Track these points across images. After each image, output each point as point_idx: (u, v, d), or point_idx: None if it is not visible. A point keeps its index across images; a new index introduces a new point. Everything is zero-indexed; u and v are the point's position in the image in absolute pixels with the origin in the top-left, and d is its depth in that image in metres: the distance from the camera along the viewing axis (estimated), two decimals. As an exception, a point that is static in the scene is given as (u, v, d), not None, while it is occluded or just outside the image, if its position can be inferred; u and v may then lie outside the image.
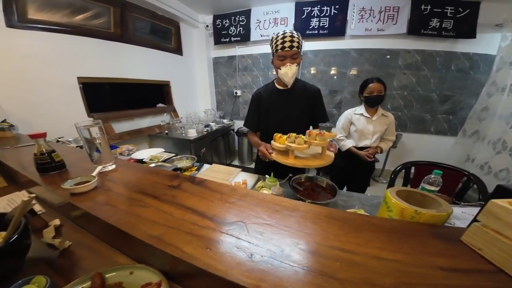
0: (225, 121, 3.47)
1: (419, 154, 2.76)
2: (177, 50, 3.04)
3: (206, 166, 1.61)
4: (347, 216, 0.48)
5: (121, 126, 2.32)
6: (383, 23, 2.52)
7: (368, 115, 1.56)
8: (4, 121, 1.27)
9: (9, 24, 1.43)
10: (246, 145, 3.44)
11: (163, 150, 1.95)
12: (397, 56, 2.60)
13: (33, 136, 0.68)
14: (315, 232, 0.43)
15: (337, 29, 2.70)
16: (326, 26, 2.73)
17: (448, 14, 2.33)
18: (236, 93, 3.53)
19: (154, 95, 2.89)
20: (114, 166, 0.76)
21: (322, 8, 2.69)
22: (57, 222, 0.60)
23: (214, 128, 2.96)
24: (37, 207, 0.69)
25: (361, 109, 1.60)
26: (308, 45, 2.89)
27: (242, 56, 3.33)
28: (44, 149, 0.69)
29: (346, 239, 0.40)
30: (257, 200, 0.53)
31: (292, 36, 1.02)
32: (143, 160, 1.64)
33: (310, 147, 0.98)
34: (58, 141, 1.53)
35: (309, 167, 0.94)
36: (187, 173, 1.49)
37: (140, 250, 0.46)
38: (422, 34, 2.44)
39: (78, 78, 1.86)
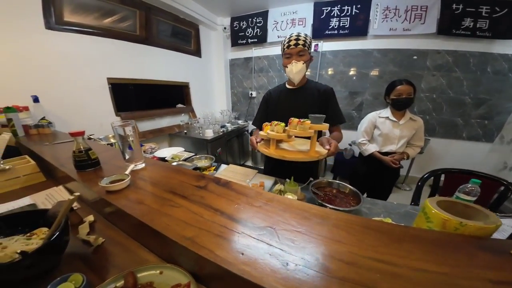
0: (240, 122, 3.50)
1: (449, 161, 2.57)
2: (196, 52, 3.12)
3: (223, 166, 1.63)
4: (384, 226, 0.46)
5: (144, 125, 2.43)
6: (409, 23, 2.39)
7: (394, 119, 1.48)
8: (43, 118, 1.38)
9: (48, 26, 1.55)
10: (260, 146, 3.44)
11: (183, 149, 2.02)
12: (426, 57, 2.45)
13: (73, 134, 0.73)
14: (350, 241, 0.41)
15: (358, 29, 2.61)
16: (347, 26, 2.65)
17: (483, 14, 2.16)
18: (251, 94, 3.55)
19: (174, 96, 2.99)
20: (143, 164, 0.79)
21: (343, 8, 2.62)
22: (91, 218, 0.64)
23: (229, 128, 3.01)
24: (74, 203, 0.74)
25: (386, 112, 1.52)
26: (327, 46, 2.82)
27: (258, 57, 3.34)
28: (82, 147, 0.74)
29: (385, 250, 0.38)
30: (284, 205, 0.52)
31: (298, 35, 1.06)
32: (165, 158, 1.70)
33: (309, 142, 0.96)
34: (90, 138, 1.63)
35: (287, 159, 0.86)
36: (206, 173, 1.53)
37: (171, 250, 0.47)
38: (453, 34, 2.28)
39: (108, 78, 1.98)
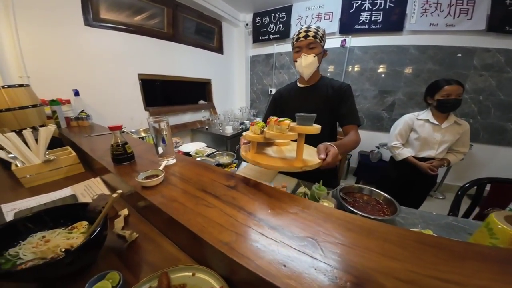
0: (258, 119, 3.48)
1: (492, 169, 2.30)
2: (219, 49, 3.14)
3: (244, 163, 1.63)
4: (442, 242, 0.40)
5: (169, 120, 2.53)
6: (453, 18, 2.15)
7: (436, 122, 1.34)
8: (82, 111, 1.49)
9: (87, 23, 1.66)
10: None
11: (205, 144, 2.06)
12: (472, 55, 2.19)
13: (112, 128, 0.76)
14: (405, 258, 0.37)
15: (393, 23, 2.41)
16: (380, 20, 2.46)
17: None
18: (271, 91, 3.49)
19: (197, 92, 3.06)
20: (174, 160, 0.80)
21: (375, 1, 2.43)
22: (125, 212, 0.66)
23: (248, 126, 3.00)
24: (110, 194, 0.78)
25: (426, 114, 1.38)
26: (356, 41, 2.65)
27: (280, 53, 3.27)
28: (119, 141, 0.78)
29: (447, 269, 0.34)
30: (323, 214, 0.48)
31: (308, 27, 0.99)
32: (190, 153, 1.75)
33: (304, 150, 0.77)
34: (122, 131, 1.74)
35: (261, 166, 0.70)
36: (227, 169, 1.54)
37: (204, 253, 0.46)
38: (506, 32, 2.02)
39: (139, 74, 2.08)
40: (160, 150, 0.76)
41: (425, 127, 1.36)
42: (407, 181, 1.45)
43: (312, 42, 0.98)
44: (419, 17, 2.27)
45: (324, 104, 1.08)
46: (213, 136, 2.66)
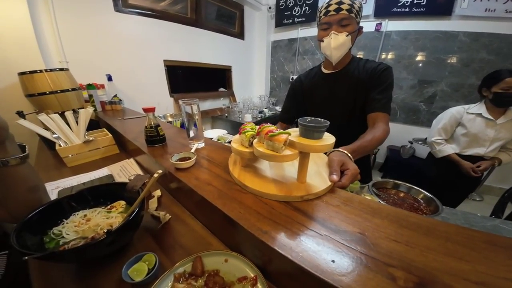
0: (277, 108, 3.39)
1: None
2: (240, 34, 3.05)
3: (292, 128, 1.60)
4: None
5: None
6: (516, 4, 1.80)
7: (490, 117, 1.17)
8: (115, 96, 1.57)
9: (116, 8, 1.69)
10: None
11: (226, 131, 2.08)
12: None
13: (146, 110, 0.78)
14: (473, 259, 0.32)
15: (439, 7, 2.11)
16: (423, 3, 2.16)
17: None
18: (292, 78, 3.35)
19: (217, 79, 3.05)
20: (203, 144, 0.80)
21: (420, -19, 2.12)
22: (158, 193, 0.68)
23: (267, 114, 2.96)
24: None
25: (479, 107, 1.20)
26: (393, 25, 2.38)
27: (304, 38, 3.08)
28: (152, 123, 0.79)
29: None
30: (369, 208, 0.44)
31: None
32: (212, 139, 1.77)
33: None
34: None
35: (248, 189, 0.50)
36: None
37: (239, 239, 0.46)
38: None
39: (164, 61, 2.12)
40: (192, 134, 0.75)
41: (475, 122, 1.20)
42: (446, 181, 1.31)
43: (345, 17, 0.78)
44: (473, 2, 1.95)
45: (356, 93, 0.89)
46: (233, 123, 2.67)
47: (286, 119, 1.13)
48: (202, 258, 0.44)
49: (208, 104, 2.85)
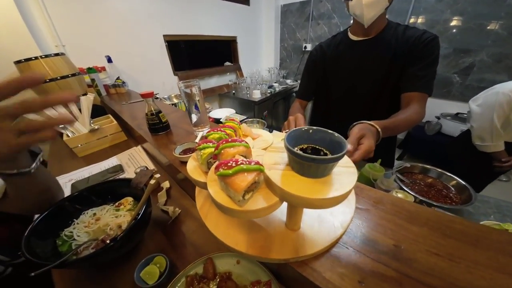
0: (288, 81, 3.16)
1: None
2: (245, -1, 2.69)
3: (275, 132, 1.53)
4: None
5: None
6: None
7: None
8: (118, 78, 1.50)
9: None
10: (308, 110, 3.05)
11: (234, 111, 1.99)
12: None
13: (144, 96, 0.71)
14: None
15: None
16: None
17: None
18: (305, 47, 3.02)
19: (222, 53, 2.83)
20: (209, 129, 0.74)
21: None
22: (167, 185, 0.65)
23: (277, 89, 2.77)
24: (150, 165, 0.78)
25: None
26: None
27: (319, 0, 2.65)
28: (152, 109, 0.73)
29: None
30: (404, 212, 0.37)
31: None
32: (220, 119, 1.71)
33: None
34: (156, 97, 1.75)
35: (219, 239, 0.31)
36: (258, 139, 1.47)
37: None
38: None
39: (164, 36, 1.96)
40: (194, 118, 0.69)
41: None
42: (478, 167, 1.16)
43: None
44: None
45: (391, 66, 0.74)
46: (240, 101, 2.55)
47: (304, 96, 0.99)
48: (213, 259, 0.43)
49: (214, 81, 2.70)
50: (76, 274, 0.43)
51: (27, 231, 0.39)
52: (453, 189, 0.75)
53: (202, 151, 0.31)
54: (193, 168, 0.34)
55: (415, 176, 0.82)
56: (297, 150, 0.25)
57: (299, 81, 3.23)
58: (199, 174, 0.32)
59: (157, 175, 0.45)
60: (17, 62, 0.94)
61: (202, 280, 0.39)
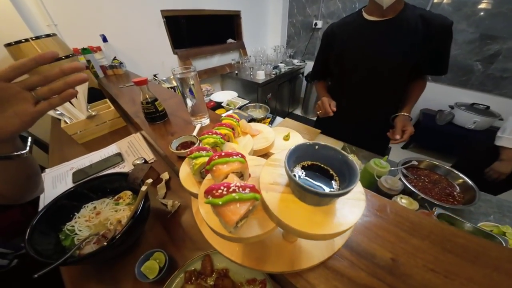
0: (295, 61, 2.98)
1: None
2: (250, -36, 2.40)
3: (279, 119, 1.48)
4: None
5: (198, 64, 2.35)
6: None
7: None
8: (115, 58, 1.42)
9: None
10: (315, 93, 3.00)
11: (236, 94, 1.92)
12: None
13: (137, 83, 0.67)
14: None
15: None
16: None
17: None
18: (315, 24, 2.77)
19: (224, 29, 2.63)
20: (208, 120, 0.71)
21: None
22: (166, 176, 0.65)
23: (282, 70, 2.62)
24: (149, 155, 0.77)
25: None
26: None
27: (333, -29, 2.36)
28: (148, 96, 0.70)
29: None
30: (407, 223, 0.36)
31: None
32: (222, 103, 1.66)
33: None
34: (155, 78, 1.68)
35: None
36: (260, 126, 1.43)
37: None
38: None
39: (162, 11, 1.81)
40: (190, 103, 0.65)
41: None
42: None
43: None
44: None
45: (411, 49, 0.73)
46: (243, 82, 2.44)
47: (318, 77, 1.08)
48: (211, 256, 0.44)
49: (216, 60, 2.56)
50: (81, 266, 0.45)
51: (29, 227, 0.39)
52: (458, 187, 0.73)
53: (194, 160, 0.28)
54: (186, 176, 0.32)
55: (420, 172, 0.80)
56: (299, 170, 0.22)
57: (307, 62, 3.06)
58: (192, 184, 0.31)
59: (149, 180, 0.44)
60: (7, 45, 0.89)
61: (200, 276, 0.41)
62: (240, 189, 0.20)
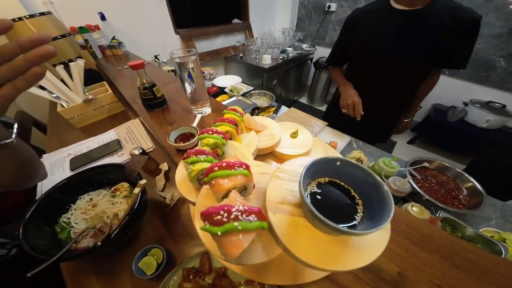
0: (304, 46, 2.81)
1: None
2: None
3: (284, 108, 1.43)
4: None
5: (201, 46, 2.23)
6: None
7: None
8: (114, 38, 1.34)
9: None
10: (323, 81, 2.87)
11: (240, 79, 1.84)
12: None
13: (133, 67, 0.63)
14: None
15: None
16: None
17: None
18: (328, 7, 2.57)
19: (230, 8, 2.45)
20: (209, 109, 0.67)
21: None
22: (165, 167, 0.63)
23: (290, 55, 2.48)
24: (148, 143, 0.75)
25: None
26: None
27: None
28: (145, 81, 0.66)
29: None
30: (418, 235, 0.33)
31: None
32: (225, 89, 1.59)
33: None
34: (156, 59, 1.60)
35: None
36: (264, 114, 1.38)
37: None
38: None
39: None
40: (188, 88, 0.60)
41: None
42: None
43: None
44: None
45: (437, 42, 0.70)
46: (248, 67, 2.33)
47: (334, 63, 1.05)
48: (210, 254, 0.43)
49: (220, 41, 2.42)
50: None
51: (22, 223, 0.38)
52: (465, 191, 0.70)
53: (191, 166, 0.25)
54: (182, 180, 0.29)
55: (428, 172, 0.77)
56: (314, 187, 0.19)
57: (317, 47, 2.88)
58: (188, 190, 0.28)
59: (143, 181, 0.42)
60: None
61: (198, 274, 0.40)
62: (244, 215, 0.17)
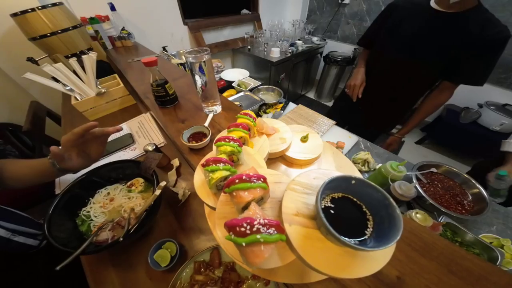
0: (315, 39, 2.72)
1: None
2: None
3: (291, 105, 1.42)
4: None
5: (209, 37, 2.20)
6: None
7: None
8: (123, 29, 1.34)
9: None
10: (332, 76, 2.81)
11: (248, 73, 1.82)
12: None
13: (147, 64, 0.63)
14: None
15: None
16: None
17: None
18: (342, 0, 2.46)
19: (239, -3, 2.38)
20: (220, 108, 0.68)
21: None
22: (177, 163, 0.65)
23: (300, 48, 2.42)
24: (160, 138, 0.77)
25: None
26: None
27: None
28: (158, 78, 0.67)
29: None
30: (420, 243, 0.35)
31: None
32: (232, 84, 1.59)
33: None
34: (164, 51, 1.59)
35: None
36: (271, 110, 1.38)
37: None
38: None
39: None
40: (199, 82, 0.59)
41: None
42: None
43: None
44: None
45: (462, 51, 0.72)
46: (256, 59, 2.30)
47: (364, 45, 1.07)
48: (219, 249, 0.45)
49: (228, 33, 2.37)
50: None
51: (46, 219, 0.41)
52: (470, 196, 0.71)
53: (211, 174, 0.26)
54: (200, 184, 0.31)
55: (435, 177, 0.78)
56: (328, 201, 0.21)
57: (327, 41, 2.80)
58: (207, 194, 0.30)
59: (163, 183, 0.44)
60: (14, 15, 0.85)
61: (208, 267, 0.43)
62: (265, 228, 0.19)
